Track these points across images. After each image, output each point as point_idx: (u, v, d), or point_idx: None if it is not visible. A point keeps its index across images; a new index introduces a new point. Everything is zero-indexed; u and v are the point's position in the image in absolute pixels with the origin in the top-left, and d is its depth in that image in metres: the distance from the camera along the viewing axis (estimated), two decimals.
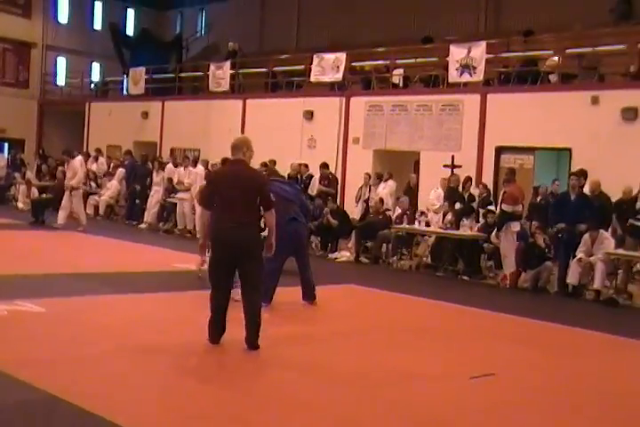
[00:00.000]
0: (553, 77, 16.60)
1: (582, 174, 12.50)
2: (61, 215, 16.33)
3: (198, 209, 7.17)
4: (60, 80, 30.99)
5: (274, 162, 17.93)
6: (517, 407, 5.79)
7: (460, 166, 16.28)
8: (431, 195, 15.43)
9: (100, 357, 6.36)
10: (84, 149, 22.42)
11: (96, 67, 31.67)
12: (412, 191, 16.20)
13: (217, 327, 6.88)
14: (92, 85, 30.40)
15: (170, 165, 18.48)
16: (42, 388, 5.31)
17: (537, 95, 16.11)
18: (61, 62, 31.15)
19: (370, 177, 16.93)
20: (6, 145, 28.50)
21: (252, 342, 6.81)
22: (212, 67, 23.09)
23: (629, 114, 14.36)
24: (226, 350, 6.93)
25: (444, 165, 16.44)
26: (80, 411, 4.92)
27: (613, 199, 12.34)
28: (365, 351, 7.29)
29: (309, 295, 9.53)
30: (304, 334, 7.99)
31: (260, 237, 7.01)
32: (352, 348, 7.43)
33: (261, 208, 7.04)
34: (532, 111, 15.79)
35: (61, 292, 9.07)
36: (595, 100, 14.99)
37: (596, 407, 6.00)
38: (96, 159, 21.72)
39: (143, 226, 18.11)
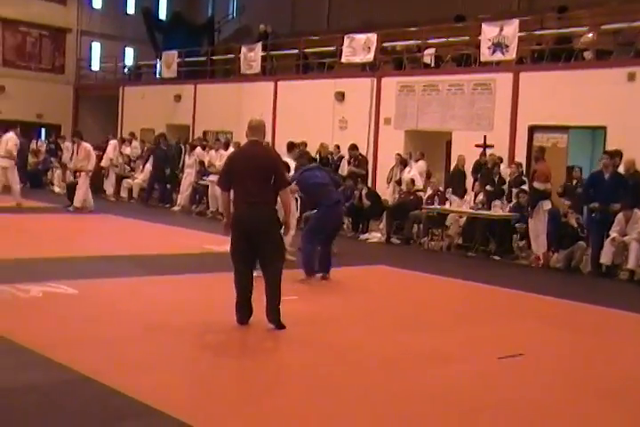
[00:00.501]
0: (588, 55, 16.33)
1: (617, 154, 12.26)
2: (77, 198, 16.42)
3: (219, 189, 7.23)
4: (95, 65, 31.25)
5: (305, 144, 17.91)
6: (544, 389, 5.73)
7: (493, 146, 16.12)
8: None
9: (131, 338, 6.43)
10: (119, 133, 22.53)
11: (129, 51, 31.82)
12: (461, 173, 15.94)
13: (243, 309, 6.97)
14: (126, 70, 30.55)
15: (199, 149, 18.54)
16: (76, 369, 5.38)
17: (571, 73, 15.86)
18: (96, 47, 31.34)
19: (401, 157, 16.83)
20: (43, 130, 28.80)
21: (276, 321, 6.91)
22: (243, 49, 23.08)
23: None
24: (252, 330, 6.97)
25: (476, 145, 16.28)
26: (111, 391, 4.98)
27: None
28: (392, 332, 7.28)
29: (326, 268, 9.79)
30: (332, 313, 7.99)
31: (276, 217, 7.04)
32: (380, 328, 7.42)
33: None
34: (566, 89, 15.55)
35: (94, 274, 9.17)
36: (631, 77, 14.73)
37: (624, 391, 5.89)
38: (130, 143, 21.86)
39: (176, 208, 18.22)
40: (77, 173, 16.49)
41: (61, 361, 5.53)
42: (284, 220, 7.17)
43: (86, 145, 16.68)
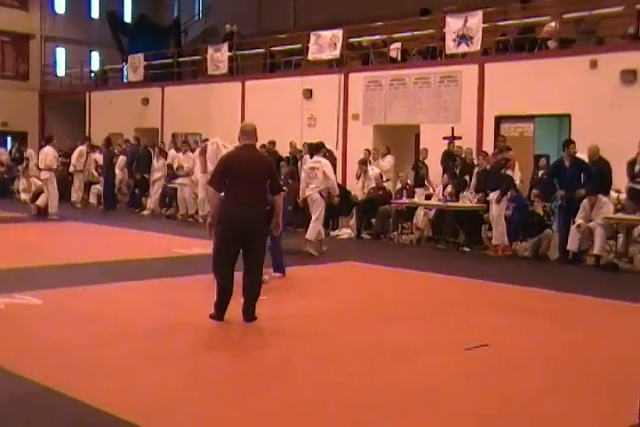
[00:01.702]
0: (551, 44, 16.39)
1: (571, 142, 12.25)
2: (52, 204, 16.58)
3: (210, 189, 7.30)
4: (60, 71, 30.97)
5: (273, 143, 17.83)
6: (509, 377, 5.73)
7: (461, 138, 16.13)
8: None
9: (95, 345, 6.31)
10: (88, 139, 22.29)
11: (95, 55, 31.57)
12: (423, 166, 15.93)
13: (222, 306, 7.16)
14: (92, 74, 30.30)
15: (172, 151, 18.42)
16: (37, 380, 5.27)
17: (535, 62, 15.90)
18: (60, 53, 31.09)
19: (370, 153, 16.78)
20: (9, 138, 28.49)
21: (250, 314, 7.16)
22: (209, 50, 22.99)
23: (628, 76, 14.17)
24: (222, 329, 7.08)
25: (444, 137, 16.29)
26: (73, 402, 4.88)
27: (615, 164, 12.15)
28: (361, 327, 7.26)
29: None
30: (301, 311, 7.93)
31: (268, 218, 7.25)
32: (348, 323, 7.40)
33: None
34: (531, 79, 15.60)
35: (59, 283, 9.03)
36: (593, 64, 14.80)
37: (591, 373, 5.90)
38: (100, 149, 21.63)
39: (146, 213, 18.09)
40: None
41: (22, 373, 5.41)
42: (274, 221, 7.34)
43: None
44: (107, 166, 19.00)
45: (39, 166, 17.03)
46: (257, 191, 7.09)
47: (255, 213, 7.02)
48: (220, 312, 7.14)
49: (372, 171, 15.42)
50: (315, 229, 12.04)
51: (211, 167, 9.82)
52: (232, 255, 7.13)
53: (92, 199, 19.75)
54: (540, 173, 13.55)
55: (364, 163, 15.59)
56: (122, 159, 19.40)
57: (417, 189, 15.04)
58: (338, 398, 5.11)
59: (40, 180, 17.61)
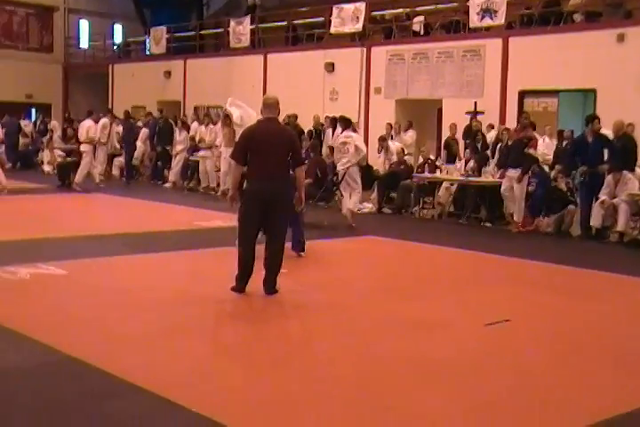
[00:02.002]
0: (577, 17, 16.20)
1: (593, 119, 12.11)
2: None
3: (232, 163, 7.35)
4: (84, 43, 30.92)
5: (295, 116, 17.81)
6: (528, 352, 5.74)
7: (483, 112, 16.04)
8: None
9: (120, 317, 6.35)
10: (110, 111, 22.33)
11: (118, 28, 31.46)
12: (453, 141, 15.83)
13: (245, 278, 7.18)
14: (115, 47, 30.28)
15: (195, 124, 18.43)
16: (61, 349, 5.32)
17: (560, 36, 15.74)
18: (84, 25, 30.98)
19: (392, 127, 16.72)
20: (33, 110, 28.61)
21: (271, 286, 7.19)
22: (231, 23, 22.93)
23: None
24: (250, 299, 7.13)
25: (467, 112, 16.20)
26: (97, 371, 4.92)
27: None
28: (381, 301, 7.27)
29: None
30: (321, 284, 7.96)
31: (291, 191, 7.26)
32: (368, 297, 7.41)
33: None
34: (556, 53, 15.44)
35: (83, 254, 9.10)
36: (620, 38, 14.64)
37: (611, 349, 5.89)
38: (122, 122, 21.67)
39: (168, 185, 18.16)
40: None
41: (47, 342, 5.47)
42: (296, 195, 7.34)
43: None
44: (126, 139, 19.00)
45: (79, 139, 17.21)
46: (279, 164, 7.09)
47: (277, 186, 7.02)
48: (241, 284, 7.18)
49: (394, 145, 15.37)
50: (356, 201, 12.50)
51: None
52: (254, 228, 7.14)
53: (115, 171, 19.83)
54: (565, 143, 13.42)
55: (384, 139, 15.56)
56: (144, 131, 19.43)
57: (449, 166, 14.89)
58: (357, 371, 5.15)
59: (64, 152, 17.78)
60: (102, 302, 6.82)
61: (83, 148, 16.98)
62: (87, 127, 17.14)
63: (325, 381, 4.93)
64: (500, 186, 12.38)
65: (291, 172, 7.31)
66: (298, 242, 9.31)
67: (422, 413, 4.44)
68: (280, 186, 7.05)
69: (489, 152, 14.22)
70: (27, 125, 23.15)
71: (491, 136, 14.83)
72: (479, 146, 14.51)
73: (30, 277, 7.69)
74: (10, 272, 7.77)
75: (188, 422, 4.22)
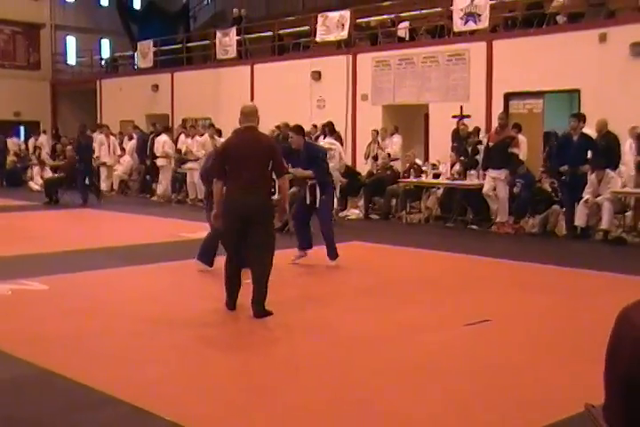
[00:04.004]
0: (560, 19, 16.16)
1: (581, 117, 12.11)
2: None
3: (214, 179, 6.99)
4: (71, 59, 30.99)
5: (286, 125, 17.73)
6: (506, 352, 5.69)
7: (469, 116, 15.98)
8: None
9: (100, 330, 6.26)
10: (99, 126, 22.32)
11: (105, 43, 31.53)
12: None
13: (232, 296, 6.87)
14: (102, 62, 30.27)
15: (182, 136, 18.39)
16: (38, 364, 5.25)
17: (543, 38, 15.69)
18: (71, 41, 31.07)
19: (377, 133, 16.68)
20: (22, 128, 28.57)
21: (260, 310, 6.68)
22: (218, 34, 22.91)
23: (639, 48, 13.90)
24: (231, 316, 6.86)
25: (453, 116, 16.14)
26: (73, 384, 4.85)
27: (624, 138, 12.01)
28: (366, 306, 7.23)
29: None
30: (308, 289, 8.01)
31: (272, 203, 7.01)
32: (352, 302, 7.39)
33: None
34: (539, 55, 15.40)
35: (66, 268, 9.03)
36: (602, 38, 14.58)
37: (593, 348, 5.78)
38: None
39: (155, 198, 18.10)
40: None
41: (23, 357, 5.40)
42: (280, 206, 7.10)
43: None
44: (80, 155, 17.29)
45: (156, 154, 17.88)
46: (259, 175, 6.71)
47: (255, 199, 6.63)
48: (230, 300, 6.86)
49: (380, 151, 15.34)
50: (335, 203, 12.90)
51: None
52: (237, 242, 6.75)
53: (103, 186, 19.80)
54: (547, 149, 13.41)
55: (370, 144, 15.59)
56: (132, 144, 19.39)
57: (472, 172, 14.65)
58: (340, 376, 5.11)
59: (51, 169, 17.77)
60: (82, 317, 6.73)
61: (159, 162, 17.66)
62: (163, 142, 17.63)
63: (307, 383, 4.90)
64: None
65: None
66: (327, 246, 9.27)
67: (395, 412, 4.41)
68: (261, 198, 6.71)
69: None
70: (15, 144, 23.06)
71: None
72: (470, 149, 14.39)
73: (12, 293, 7.61)
74: None
75: None
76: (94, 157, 18.70)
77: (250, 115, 6.87)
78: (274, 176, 7.07)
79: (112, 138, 19.83)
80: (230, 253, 6.88)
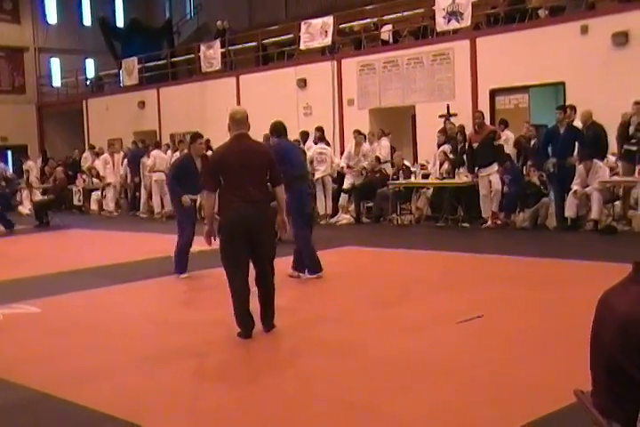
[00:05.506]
0: (542, 13, 16.11)
1: (571, 108, 12.02)
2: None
3: (204, 193, 6.66)
4: (56, 81, 30.81)
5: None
6: (498, 347, 5.63)
7: (456, 115, 15.91)
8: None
9: (92, 349, 6.13)
10: (86, 146, 22.23)
11: (90, 63, 31.39)
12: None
13: (246, 319, 6.25)
14: (88, 82, 30.15)
15: (158, 151, 18.29)
16: (31, 386, 5.14)
17: (526, 33, 15.65)
18: (55, 63, 30.96)
19: (360, 133, 16.44)
20: (9, 153, 28.44)
21: (271, 323, 6.38)
22: (202, 47, 22.90)
23: (620, 39, 13.92)
24: (232, 330, 6.39)
25: (440, 115, 16.07)
26: (69, 404, 4.74)
27: (612, 127, 11.90)
28: (360, 309, 7.16)
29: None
30: (303, 295, 7.95)
31: (273, 214, 6.54)
32: (346, 307, 7.28)
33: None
34: (523, 49, 15.38)
35: (57, 290, 8.87)
36: (584, 30, 14.55)
37: (585, 338, 5.66)
38: (97, 155, 21.56)
39: (144, 215, 17.99)
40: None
41: (18, 381, 5.28)
42: (279, 218, 6.58)
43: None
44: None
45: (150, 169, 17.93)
46: (258, 186, 6.24)
47: (259, 211, 6.17)
48: (247, 331, 6.22)
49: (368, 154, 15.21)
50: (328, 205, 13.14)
51: None
52: (242, 259, 6.19)
53: (93, 206, 19.65)
54: (532, 142, 13.29)
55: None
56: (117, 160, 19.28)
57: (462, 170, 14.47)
58: (334, 379, 5.04)
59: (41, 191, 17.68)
60: (74, 337, 6.61)
61: (155, 177, 17.61)
62: (154, 157, 17.82)
63: (307, 382, 4.88)
64: (475, 186, 12.23)
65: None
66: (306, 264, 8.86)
67: (392, 413, 4.34)
68: (263, 210, 6.23)
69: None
70: (5, 170, 22.73)
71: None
72: (459, 148, 14.29)
73: (3, 317, 7.50)
74: None
75: None
76: (100, 176, 18.72)
77: (241, 121, 6.36)
78: None
79: (116, 157, 19.69)
80: (238, 271, 6.19)
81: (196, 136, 9.49)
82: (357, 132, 15.70)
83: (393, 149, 15.68)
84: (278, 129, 9.00)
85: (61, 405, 4.77)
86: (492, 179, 12.05)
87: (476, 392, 4.63)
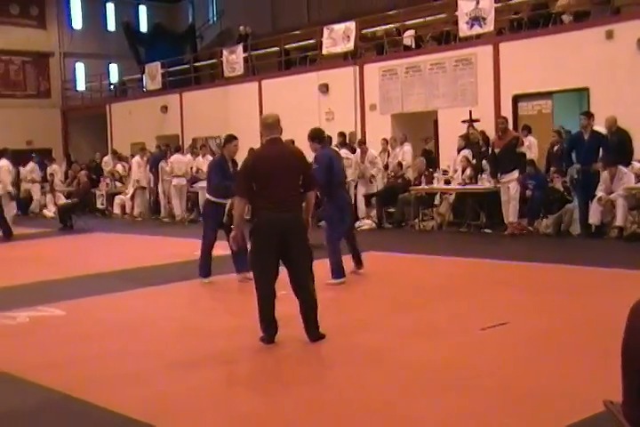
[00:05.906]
0: (566, 18, 16.02)
1: (590, 115, 11.94)
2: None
3: (236, 198, 6.56)
4: (80, 85, 31.19)
5: (292, 141, 17.64)
6: (522, 354, 5.62)
7: (479, 120, 15.83)
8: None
9: (119, 353, 6.16)
10: (109, 150, 22.39)
11: (114, 68, 31.72)
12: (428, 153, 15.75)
13: (270, 329, 6.25)
14: (111, 86, 30.41)
15: (178, 156, 18.33)
16: (58, 389, 5.18)
17: (549, 38, 15.54)
18: (80, 68, 31.30)
19: (387, 142, 16.55)
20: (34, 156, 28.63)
21: (316, 333, 6.26)
22: (224, 52, 22.97)
23: None
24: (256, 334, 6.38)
25: (463, 121, 16.01)
26: (95, 407, 4.77)
27: (635, 134, 11.81)
28: (384, 314, 7.18)
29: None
30: (326, 301, 7.67)
31: (305, 220, 6.44)
32: (371, 311, 7.31)
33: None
34: (546, 55, 15.26)
35: (82, 293, 8.94)
36: (609, 35, 14.43)
37: (617, 346, 5.62)
38: (119, 160, 21.71)
39: (167, 219, 18.05)
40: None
41: (44, 383, 5.33)
42: (304, 219, 6.44)
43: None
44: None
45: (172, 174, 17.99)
46: (292, 191, 6.20)
47: (294, 216, 6.16)
48: (269, 336, 6.21)
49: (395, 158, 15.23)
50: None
51: None
52: (273, 267, 6.13)
53: (116, 209, 19.74)
54: (555, 148, 13.20)
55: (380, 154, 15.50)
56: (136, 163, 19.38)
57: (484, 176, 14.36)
58: (359, 380, 5.08)
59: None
60: (100, 340, 6.67)
61: (175, 182, 17.78)
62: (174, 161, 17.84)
63: (327, 386, 4.93)
64: (497, 192, 12.17)
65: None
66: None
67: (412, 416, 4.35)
68: (297, 215, 6.21)
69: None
70: (32, 172, 22.86)
71: None
72: (480, 153, 14.27)
73: (29, 320, 7.58)
74: (9, 317, 7.67)
75: None
76: (134, 180, 18.81)
77: (273, 126, 6.30)
78: None
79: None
80: (266, 279, 6.15)
81: (230, 138, 9.52)
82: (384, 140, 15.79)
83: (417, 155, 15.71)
84: (320, 135, 9.06)
85: (85, 407, 4.80)
86: (510, 186, 11.99)
87: (499, 400, 4.62)
